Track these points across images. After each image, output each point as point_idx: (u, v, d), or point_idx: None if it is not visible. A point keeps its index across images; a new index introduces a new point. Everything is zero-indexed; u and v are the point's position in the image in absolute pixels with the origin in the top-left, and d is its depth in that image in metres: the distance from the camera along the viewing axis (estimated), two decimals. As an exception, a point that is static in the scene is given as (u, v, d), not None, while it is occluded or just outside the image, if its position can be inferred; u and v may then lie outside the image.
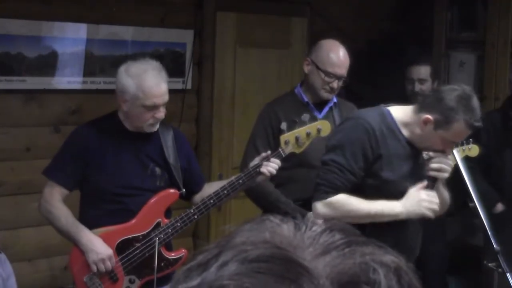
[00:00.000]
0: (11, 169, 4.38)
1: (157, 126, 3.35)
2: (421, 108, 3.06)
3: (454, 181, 4.18)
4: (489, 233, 3.20)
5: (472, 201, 3.33)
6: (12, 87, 4.34)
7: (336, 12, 5.71)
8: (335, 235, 0.64)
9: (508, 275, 3.13)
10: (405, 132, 3.12)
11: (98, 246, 3.27)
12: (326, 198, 3.07)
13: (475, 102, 2.97)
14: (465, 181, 3.38)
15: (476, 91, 5.72)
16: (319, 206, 3.09)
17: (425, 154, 3.14)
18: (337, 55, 3.72)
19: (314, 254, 0.61)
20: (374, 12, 5.96)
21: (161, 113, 3.26)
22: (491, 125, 4.76)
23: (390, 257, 0.63)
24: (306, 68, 3.80)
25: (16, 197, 4.40)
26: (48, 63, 4.45)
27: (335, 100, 3.83)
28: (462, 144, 3.98)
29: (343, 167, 3.06)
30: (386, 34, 5.89)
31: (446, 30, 5.89)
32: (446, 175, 3.15)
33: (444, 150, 3.11)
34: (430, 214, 3.14)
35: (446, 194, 3.29)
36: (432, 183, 3.15)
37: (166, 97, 3.27)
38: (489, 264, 3.98)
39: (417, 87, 4.81)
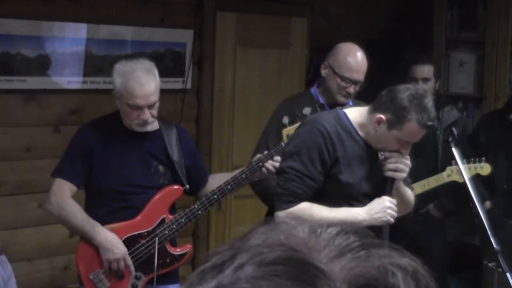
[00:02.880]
0: (11, 169, 4.37)
1: (148, 126, 3.33)
2: (375, 108, 3.03)
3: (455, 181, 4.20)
4: (489, 233, 3.21)
5: (472, 201, 3.33)
6: (12, 87, 4.33)
7: (336, 12, 5.70)
8: (350, 237, 0.63)
9: (508, 274, 3.13)
10: (361, 133, 3.08)
11: (115, 244, 3.28)
12: (288, 207, 3.02)
13: (428, 101, 2.92)
14: (465, 181, 3.39)
15: (476, 91, 5.79)
16: (282, 216, 3.01)
17: (380, 155, 3.10)
18: (354, 60, 3.66)
19: (329, 257, 0.61)
20: (374, 12, 5.96)
21: (146, 115, 3.23)
22: (489, 126, 4.76)
23: (407, 260, 0.63)
24: (323, 72, 3.74)
25: (16, 197, 4.39)
26: (48, 63, 4.44)
27: (350, 103, 3.78)
28: (474, 162, 4.00)
29: (302, 173, 3.02)
30: (386, 34, 5.88)
31: (446, 30, 5.89)
32: (403, 175, 3.09)
33: (399, 151, 3.04)
34: (392, 221, 3.10)
35: (409, 193, 3.24)
36: (391, 184, 3.10)
37: (150, 99, 3.22)
38: (489, 264, 3.98)
39: (421, 86, 4.79)
